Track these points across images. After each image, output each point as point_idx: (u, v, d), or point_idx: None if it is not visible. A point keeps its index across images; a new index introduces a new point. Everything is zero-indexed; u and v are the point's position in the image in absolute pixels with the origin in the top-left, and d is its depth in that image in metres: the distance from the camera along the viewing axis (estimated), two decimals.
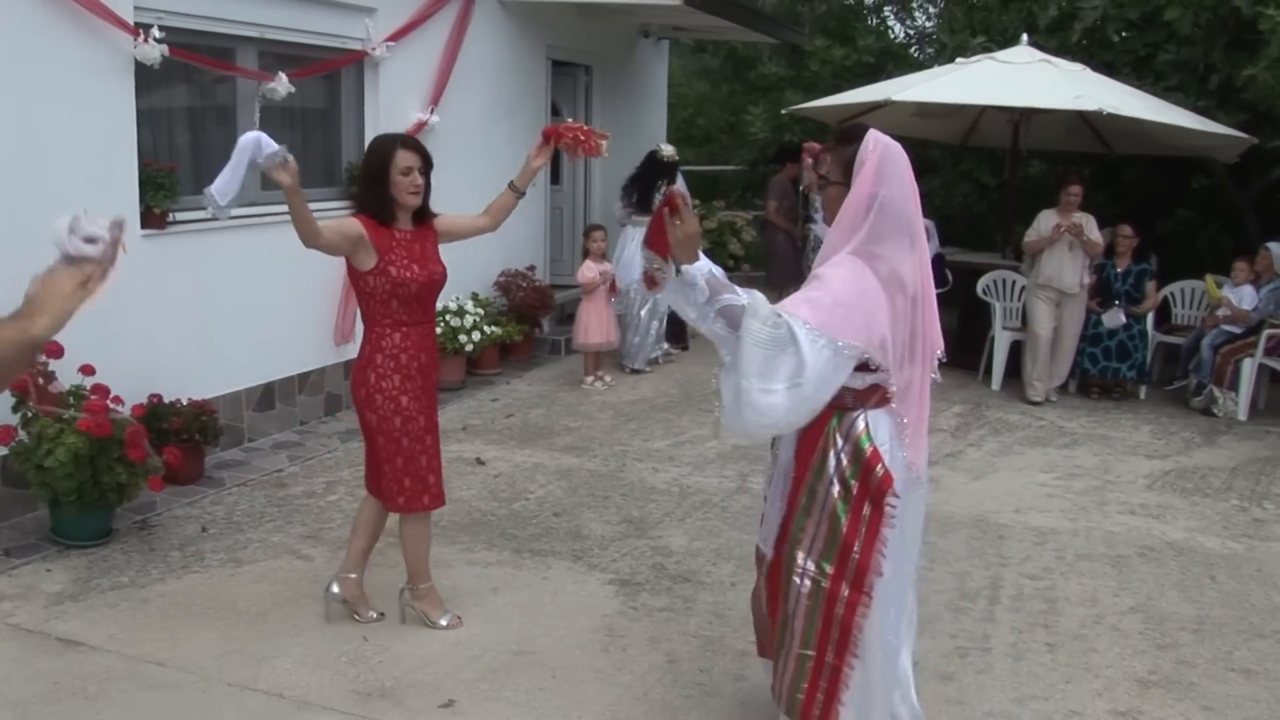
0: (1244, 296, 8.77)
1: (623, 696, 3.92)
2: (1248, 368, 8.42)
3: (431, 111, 8.07)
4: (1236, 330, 8.68)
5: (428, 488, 4.21)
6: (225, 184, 3.85)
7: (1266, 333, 8.45)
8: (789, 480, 3.20)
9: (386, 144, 4.10)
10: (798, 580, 3.12)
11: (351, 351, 7.44)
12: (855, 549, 3.07)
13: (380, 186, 4.05)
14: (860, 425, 3.08)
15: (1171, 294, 9.80)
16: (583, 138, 4.38)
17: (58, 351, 5.04)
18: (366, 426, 4.23)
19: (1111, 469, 7.01)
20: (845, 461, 3.07)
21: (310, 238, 3.88)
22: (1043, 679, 4.16)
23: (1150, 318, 9.07)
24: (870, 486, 3.06)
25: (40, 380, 5.15)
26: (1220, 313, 8.80)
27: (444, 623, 4.37)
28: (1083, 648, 4.44)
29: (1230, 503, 6.41)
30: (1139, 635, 4.58)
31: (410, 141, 4.15)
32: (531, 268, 9.69)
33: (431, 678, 3.99)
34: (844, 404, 3.06)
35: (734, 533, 5.56)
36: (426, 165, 4.11)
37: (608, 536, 5.47)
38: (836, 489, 3.07)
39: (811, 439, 3.10)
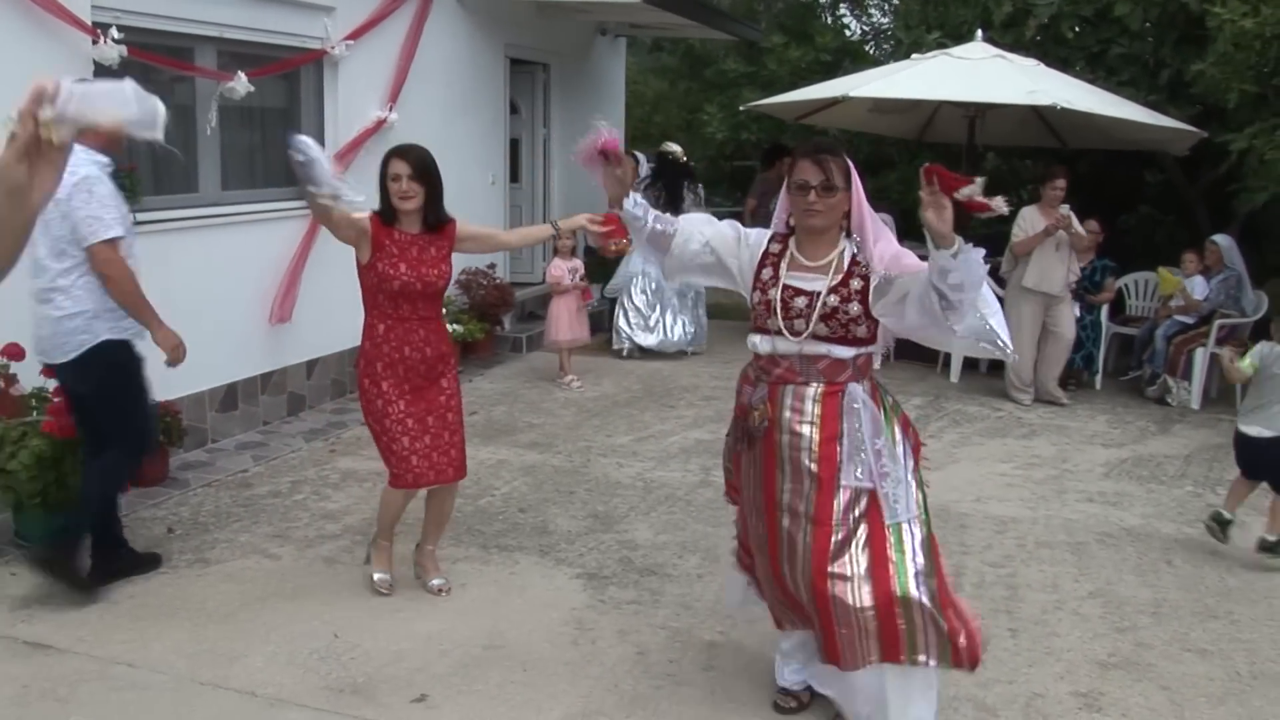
0: (1194, 287, 8.93)
1: (593, 688, 3.96)
2: (1200, 357, 8.58)
3: (390, 109, 8.06)
4: (1189, 321, 8.85)
5: (410, 468, 4.45)
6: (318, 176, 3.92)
7: (1218, 323, 8.62)
8: (882, 455, 3.39)
9: (387, 154, 4.43)
10: (908, 527, 3.39)
11: (304, 349, 7.49)
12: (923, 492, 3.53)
13: (382, 191, 4.39)
14: (889, 396, 3.54)
15: (1126, 285, 9.95)
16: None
17: (19, 354, 5.00)
18: (361, 408, 4.57)
19: (1069, 458, 7.13)
20: (909, 428, 3.53)
21: (324, 219, 4.20)
22: (1006, 663, 4.24)
23: (1104, 309, 9.21)
24: (911, 441, 3.51)
25: (1, 383, 5.11)
26: (1174, 303, 8.96)
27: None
28: (1044, 632, 4.53)
29: (1185, 489, 6.54)
30: (1098, 619, 4.68)
31: (404, 150, 4.45)
32: (492, 266, 9.69)
33: (403, 673, 4.01)
34: (869, 373, 3.50)
35: (699, 526, 5.61)
36: (419, 173, 4.35)
37: (574, 531, 5.50)
38: (908, 453, 3.47)
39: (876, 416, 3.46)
